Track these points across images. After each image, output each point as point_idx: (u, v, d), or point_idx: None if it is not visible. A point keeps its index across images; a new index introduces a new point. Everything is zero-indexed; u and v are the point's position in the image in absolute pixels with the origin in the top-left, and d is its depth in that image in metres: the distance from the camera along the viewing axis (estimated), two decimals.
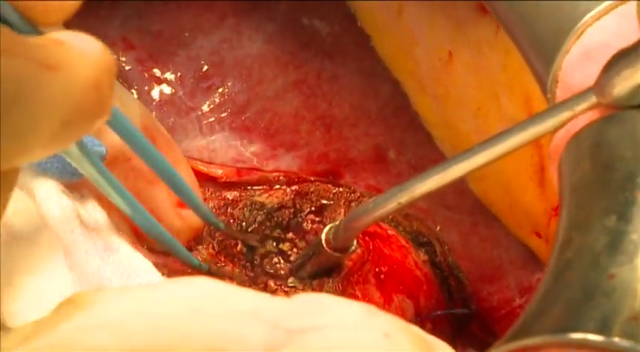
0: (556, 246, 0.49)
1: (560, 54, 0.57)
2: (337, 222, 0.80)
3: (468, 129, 0.90)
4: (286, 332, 0.43)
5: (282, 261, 0.86)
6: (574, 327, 0.42)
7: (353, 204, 0.91)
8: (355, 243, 0.81)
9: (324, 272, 0.83)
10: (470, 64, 0.85)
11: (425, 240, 0.92)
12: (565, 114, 0.55)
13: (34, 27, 0.47)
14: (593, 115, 0.53)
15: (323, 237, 0.80)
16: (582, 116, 0.54)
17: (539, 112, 0.57)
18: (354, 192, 0.93)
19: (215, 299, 0.45)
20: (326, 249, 0.80)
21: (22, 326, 0.46)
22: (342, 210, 0.90)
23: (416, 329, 0.48)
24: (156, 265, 0.66)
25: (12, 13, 0.47)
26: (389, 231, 0.89)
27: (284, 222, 0.88)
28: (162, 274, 0.66)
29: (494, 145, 0.60)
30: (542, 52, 0.59)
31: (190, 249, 0.82)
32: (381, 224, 0.89)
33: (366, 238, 0.85)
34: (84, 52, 0.45)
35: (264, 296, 0.46)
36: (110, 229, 0.66)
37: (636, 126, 0.50)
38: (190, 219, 0.80)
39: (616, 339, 0.41)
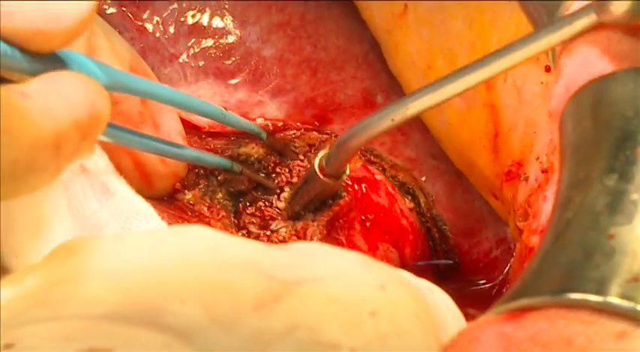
0: (556, 205, 0.49)
1: (561, 8, 0.57)
2: (329, 148, 0.79)
3: (418, 87, 0.89)
4: (282, 283, 0.43)
5: (267, 208, 0.86)
6: (573, 288, 0.42)
7: None
8: (348, 169, 0.80)
9: (316, 203, 0.82)
10: (426, 18, 0.84)
11: (410, 190, 0.92)
12: (565, 30, 0.54)
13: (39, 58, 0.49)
14: (594, 68, 0.53)
15: (316, 163, 0.80)
16: (580, 78, 0.53)
17: (540, 27, 0.57)
18: None
19: (210, 249, 0.45)
20: (319, 175, 0.79)
21: (19, 271, 0.46)
22: None
23: (410, 278, 0.48)
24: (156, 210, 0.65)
25: (12, 50, 0.48)
26: (377, 176, 0.88)
27: (270, 169, 0.87)
28: (162, 219, 0.65)
29: (492, 62, 0.59)
30: (543, 4, 0.59)
31: (176, 192, 0.82)
32: (370, 168, 0.88)
33: (355, 185, 0.85)
34: (47, 109, 0.46)
35: (260, 246, 0.46)
36: (110, 172, 0.65)
37: (638, 84, 0.49)
38: (174, 165, 0.80)
39: (615, 300, 0.41)
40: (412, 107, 0.65)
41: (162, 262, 0.44)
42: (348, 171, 0.81)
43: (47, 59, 0.51)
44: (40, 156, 0.45)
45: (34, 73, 0.49)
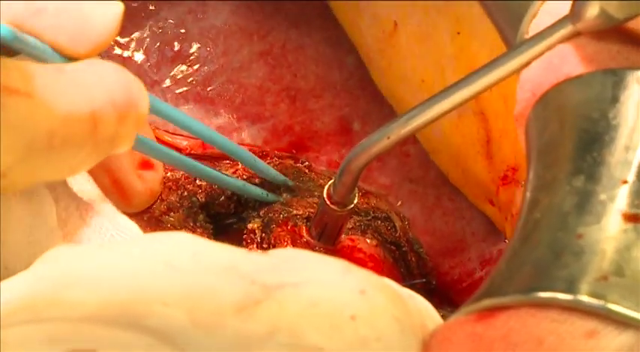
0: (524, 207, 0.49)
1: (527, 18, 0.58)
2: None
3: (413, 101, 0.90)
4: (263, 287, 0.43)
5: (246, 234, 0.87)
6: (543, 287, 0.43)
7: (310, 183, 0.91)
8: (356, 196, 0.80)
9: (330, 233, 0.84)
10: (416, 34, 0.85)
11: (383, 215, 0.92)
12: (544, 43, 0.55)
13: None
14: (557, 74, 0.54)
15: (325, 192, 0.80)
16: (547, 82, 0.54)
17: (518, 43, 0.58)
18: (313, 170, 0.93)
19: (192, 254, 0.45)
20: (328, 204, 0.80)
21: (5, 282, 0.47)
22: (303, 187, 0.90)
23: (391, 284, 0.48)
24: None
25: (44, 46, 0.51)
26: None
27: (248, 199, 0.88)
28: None
29: (478, 78, 0.59)
30: (509, 15, 0.59)
31: (162, 215, 0.83)
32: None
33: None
34: (83, 84, 0.47)
35: (241, 252, 0.46)
36: (96, 194, 0.66)
37: (604, 87, 0.50)
38: (151, 181, 0.80)
39: (585, 298, 0.41)
40: (408, 125, 0.65)
41: (144, 267, 0.44)
42: (356, 199, 0.81)
43: None
44: (77, 129, 0.46)
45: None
